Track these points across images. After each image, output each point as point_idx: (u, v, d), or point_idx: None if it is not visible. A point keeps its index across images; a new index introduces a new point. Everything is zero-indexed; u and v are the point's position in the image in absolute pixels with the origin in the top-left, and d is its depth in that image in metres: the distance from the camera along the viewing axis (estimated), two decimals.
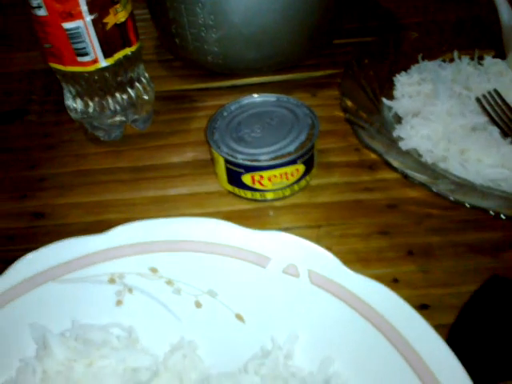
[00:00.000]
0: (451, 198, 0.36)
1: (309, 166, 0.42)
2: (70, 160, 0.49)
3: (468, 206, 0.35)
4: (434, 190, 0.36)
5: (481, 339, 0.30)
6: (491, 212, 0.35)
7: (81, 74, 0.44)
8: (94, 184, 0.46)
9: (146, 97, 0.49)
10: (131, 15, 0.44)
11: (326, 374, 0.28)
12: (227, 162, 0.40)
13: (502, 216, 0.34)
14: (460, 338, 0.28)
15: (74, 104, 0.48)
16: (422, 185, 0.37)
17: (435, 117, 0.43)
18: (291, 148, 0.40)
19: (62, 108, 0.51)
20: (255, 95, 0.45)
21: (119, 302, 0.32)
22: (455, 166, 0.40)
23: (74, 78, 0.45)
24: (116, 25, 0.43)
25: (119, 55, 0.44)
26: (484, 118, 0.44)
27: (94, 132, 0.50)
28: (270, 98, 0.45)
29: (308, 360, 0.29)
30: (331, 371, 0.28)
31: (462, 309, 0.32)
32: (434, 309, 0.34)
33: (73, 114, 0.48)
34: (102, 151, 0.50)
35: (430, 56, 0.52)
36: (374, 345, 0.28)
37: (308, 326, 0.30)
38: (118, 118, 0.48)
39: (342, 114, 0.50)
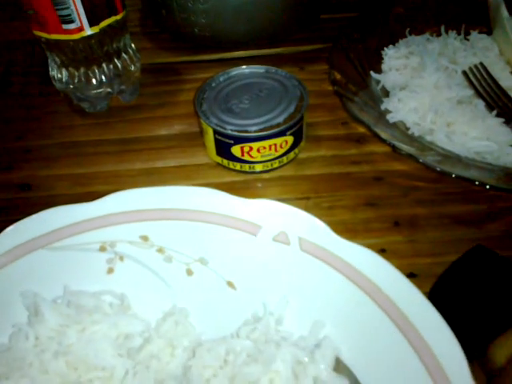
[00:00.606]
0: (438, 169, 0.37)
1: (297, 138, 0.42)
2: (56, 131, 0.48)
3: (454, 176, 0.36)
4: (421, 160, 0.37)
5: (459, 303, 0.32)
6: (476, 182, 0.35)
7: (66, 42, 0.43)
8: (80, 156, 0.46)
9: (132, 68, 0.49)
10: None
11: (316, 337, 0.28)
12: (216, 132, 0.40)
13: (487, 186, 0.35)
14: (438, 301, 0.29)
15: (59, 74, 0.47)
16: (410, 156, 0.38)
17: (422, 89, 0.44)
18: (280, 119, 0.40)
19: (46, 80, 0.50)
20: (244, 67, 0.45)
21: (110, 270, 0.32)
22: (441, 139, 0.41)
23: (58, 46, 0.44)
24: None
25: (105, 23, 0.43)
26: (470, 92, 0.44)
27: (79, 104, 0.49)
28: (259, 69, 0.45)
29: (299, 325, 0.29)
30: (322, 335, 0.28)
31: (442, 274, 0.33)
32: (421, 277, 0.35)
33: (58, 85, 0.47)
34: (87, 123, 0.49)
35: (417, 31, 0.52)
36: (363, 309, 0.28)
37: (298, 292, 0.30)
38: (104, 89, 0.47)
39: (329, 88, 0.50)
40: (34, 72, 0.55)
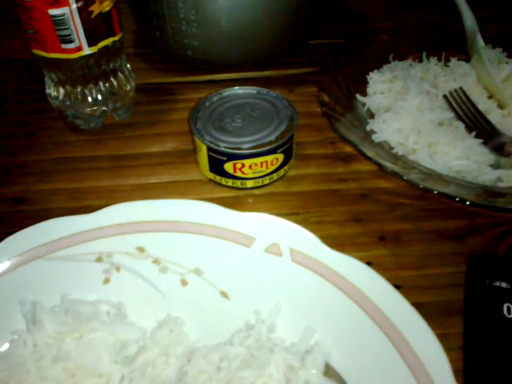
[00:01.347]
0: (421, 186, 0.39)
1: (288, 156, 0.44)
2: (50, 147, 0.49)
3: (436, 192, 0.38)
4: (405, 178, 0.39)
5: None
6: (457, 198, 0.37)
7: (64, 61, 0.44)
8: (74, 171, 0.47)
9: (127, 87, 0.50)
10: (116, 5, 0.45)
11: (307, 344, 0.29)
12: (210, 149, 0.41)
13: (467, 202, 0.37)
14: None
15: (56, 92, 0.48)
16: (395, 174, 0.40)
17: (405, 112, 0.46)
18: (272, 137, 0.42)
19: (41, 97, 0.51)
20: (236, 87, 0.47)
21: (107, 280, 0.33)
22: (424, 158, 0.43)
23: (56, 65, 0.45)
24: (101, 13, 0.43)
25: (103, 44, 0.45)
26: (450, 114, 0.47)
27: (74, 121, 0.50)
28: (251, 90, 0.47)
29: (290, 332, 0.30)
30: (312, 341, 0.30)
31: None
32: (405, 289, 0.36)
33: (54, 102, 0.49)
34: (81, 139, 0.50)
35: (400, 57, 0.55)
36: (352, 316, 0.30)
37: (290, 301, 0.31)
38: (99, 107, 0.49)
39: (317, 110, 0.52)
40: (29, 90, 0.57)
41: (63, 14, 0.41)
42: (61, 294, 0.31)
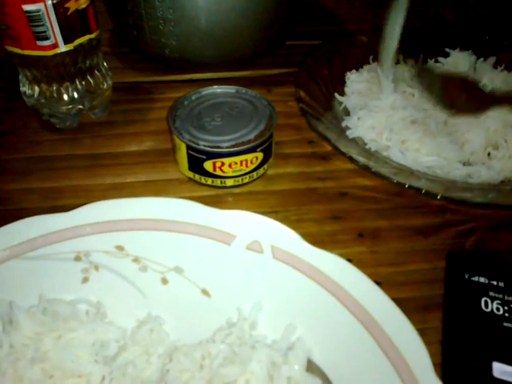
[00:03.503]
0: (394, 181, 0.40)
1: (267, 154, 0.44)
2: (25, 146, 0.48)
3: (407, 186, 0.40)
4: (374, 170, 0.40)
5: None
6: (422, 191, 0.39)
7: (39, 58, 0.44)
8: (49, 170, 0.46)
9: (104, 85, 0.49)
10: (92, 2, 0.44)
11: (289, 340, 0.30)
12: (189, 148, 0.41)
13: (438, 197, 0.39)
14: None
15: (30, 90, 0.47)
16: (366, 168, 0.41)
17: (379, 109, 0.47)
18: (251, 136, 0.42)
19: (15, 95, 0.50)
20: (215, 86, 0.47)
21: (85, 279, 0.32)
22: (396, 154, 0.44)
23: (31, 62, 0.44)
24: (77, 10, 0.43)
25: (79, 41, 0.44)
26: (423, 113, 0.48)
27: (49, 119, 0.49)
28: (230, 89, 0.47)
29: (272, 329, 0.30)
30: (294, 337, 0.30)
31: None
32: (385, 285, 0.37)
33: (28, 101, 0.48)
34: (57, 138, 0.49)
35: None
36: (333, 312, 0.30)
37: (271, 298, 0.31)
38: (75, 106, 0.48)
39: (296, 109, 0.52)
40: (2, 88, 0.55)
41: (38, 10, 0.40)
42: (38, 293, 0.31)
